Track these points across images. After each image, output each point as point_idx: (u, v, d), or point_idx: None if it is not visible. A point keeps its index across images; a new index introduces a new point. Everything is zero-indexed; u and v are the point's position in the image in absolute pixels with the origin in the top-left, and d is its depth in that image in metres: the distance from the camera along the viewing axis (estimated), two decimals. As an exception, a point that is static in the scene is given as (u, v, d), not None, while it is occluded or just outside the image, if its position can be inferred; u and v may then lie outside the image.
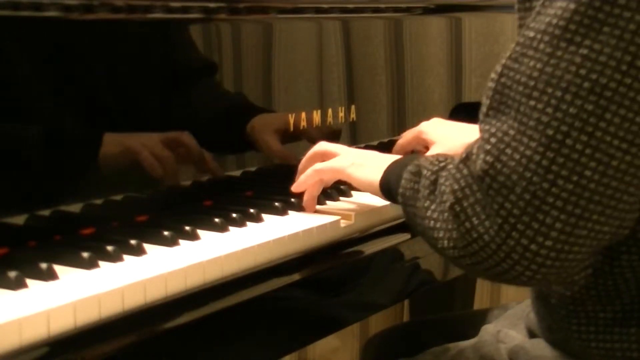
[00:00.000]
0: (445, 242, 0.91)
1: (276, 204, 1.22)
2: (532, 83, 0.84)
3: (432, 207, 0.93)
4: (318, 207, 1.24)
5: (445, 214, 0.90)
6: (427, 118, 1.46)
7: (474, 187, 0.87)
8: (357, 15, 1.54)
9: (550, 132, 0.82)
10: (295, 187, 1.24)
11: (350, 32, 1.52)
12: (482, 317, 1.32)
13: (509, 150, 0.84)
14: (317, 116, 1.43)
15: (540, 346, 1.07)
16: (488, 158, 0.86)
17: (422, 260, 1.34)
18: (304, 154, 1.28)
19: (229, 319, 1.01)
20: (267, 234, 1.11)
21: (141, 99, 1.20)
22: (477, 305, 2.23)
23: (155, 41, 1.21)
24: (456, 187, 0.89)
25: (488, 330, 1.18)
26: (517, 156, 0.84)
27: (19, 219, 1.03)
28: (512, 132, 0.85)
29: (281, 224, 1.17)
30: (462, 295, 2.13)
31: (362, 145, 1.53)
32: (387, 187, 1.09)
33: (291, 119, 1.38)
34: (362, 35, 1.55)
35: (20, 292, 0.88)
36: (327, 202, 1.27)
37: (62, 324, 0.85)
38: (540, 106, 0.83)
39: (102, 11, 1.11)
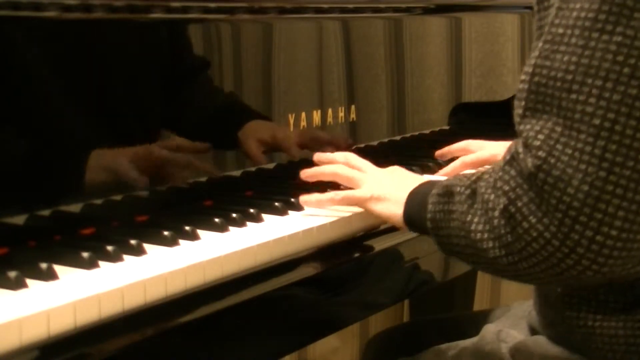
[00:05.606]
0: (497, 250, 0.90)
1: (276, 204, 1.22)
2: (569, 77, 0.84)
3: (475, 219, 0.93)
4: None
5: (495, 221, 0.89)
6: (427, 118, 1.46)
7: (525, 187, 0.86)
8: (357, 15, 1.54)
9: (597, 121, 0.82)
10: (306, 175, 1.23)
11: (350, 32, 1.52)
12: (483, 317, 1.32)
13: (559, 146, 0.84)
14: (317, 116, 1.43)
15: (541, 342, 1.07)
16: (540, 153, 0.85)
17: (422, 260, 1.34)
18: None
19: (229, 319, 1.01)
20: (267, 234, 1.11)
21: (141, 98, 1.20)
22: (477, 305, 2.23)
23: (155, 41, 1.21)
24: (507, 188, 0.88)
25: (489, 329, 1.17)
26: (569, 150, 0.83)
27: (19, 219, 1.03)
28: (558, 128, 0.84)
29: (281, 224, 1.17)
30: (462, 295, 2.13)
31: (362, 145, 1.53)
32: (411, 219, 1.08)
33: (291, 119, 1.38)
34: (362, 35, 1.55)
35: (20, 292, 0.88)
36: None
37: (62, 324, 0.85)
38: (582, 98, 0.83)
39: (102, 11, 1.11)
